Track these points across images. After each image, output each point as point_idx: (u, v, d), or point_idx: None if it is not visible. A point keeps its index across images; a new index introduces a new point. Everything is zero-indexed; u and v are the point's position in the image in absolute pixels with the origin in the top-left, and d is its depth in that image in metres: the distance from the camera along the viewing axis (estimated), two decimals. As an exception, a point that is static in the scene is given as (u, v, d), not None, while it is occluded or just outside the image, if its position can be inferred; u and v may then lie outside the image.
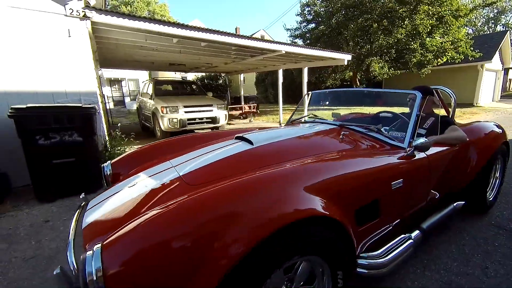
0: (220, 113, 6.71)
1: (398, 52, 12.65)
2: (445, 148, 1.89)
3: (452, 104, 2.45)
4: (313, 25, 15.73)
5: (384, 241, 1.48)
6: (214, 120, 6.58)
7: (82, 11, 3.35)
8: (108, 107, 10.91)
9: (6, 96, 3.09)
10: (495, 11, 33.09)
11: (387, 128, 2.08)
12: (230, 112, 10.56)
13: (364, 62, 12.21)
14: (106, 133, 4.39)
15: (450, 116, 2.43)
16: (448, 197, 2.00)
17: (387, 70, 12.81)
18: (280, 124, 2.93)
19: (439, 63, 12.38)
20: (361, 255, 1.36)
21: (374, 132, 1.86)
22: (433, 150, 1.78)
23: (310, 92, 2.80)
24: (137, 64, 8.40)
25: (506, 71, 21.71)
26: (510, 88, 31.14)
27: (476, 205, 2.23)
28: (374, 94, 2.51)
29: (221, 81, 13.77)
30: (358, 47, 13.28)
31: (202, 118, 6.42)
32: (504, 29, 26.67)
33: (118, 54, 6.48)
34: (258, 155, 1.57)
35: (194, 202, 0.90)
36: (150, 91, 7.10)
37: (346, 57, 7.23)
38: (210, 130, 6.16)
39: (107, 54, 6.39)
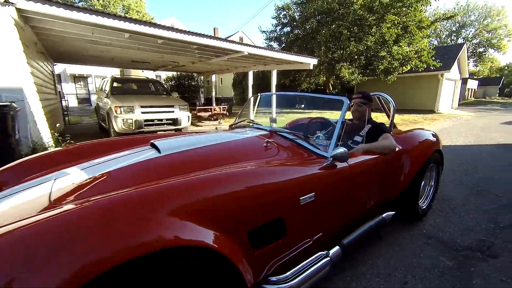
0: (182, 115, 6.41)
1: (367, 59, 13.13)
2: (373, 156, 1.82)
3: (391, 111, 2.43)
4: (289, 28, 15.89)
5: (297, 260, 1.35)
6: (175, 121, 6.27)
7: (3, -4, 2.95)
8: (65, 105, 10.12)
9: None
10: (457, 25, 35.89)
11: (320, 135, 1.99)
12: (199, 114, 10.28)
13: (334, 67, 12.50)
14: (50, 135, 3.94)
15: (390, 123, 2.41)
16: (379, 208, 1.95)
17: (357, 76, 13.24)
18: (216, 129, 2.78)
19: (403, 71, 13.02)
20: (269, 278, 1.23)
21: (302, 140, 1.75)
22: (358, 159, 1.71)
23: (259, 94, 2.68)
24: (96, 59, 7.84)
25: (464, 80, 23.54)
26: (469, 97, 33.88)
27: (408, 215, 2.21)
28: (309, 99, 2.43)
29: (193, 82, 13.38)
30: (331, 52, 13.60)
31: (161, 120, 6.09)
32: (463, 42, 28.96)
33: (68, 48, 5.95)
34: (159, 166, 1.37)
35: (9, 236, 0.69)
36: (107, 89, 6.62)
37: (311, 61, 7.27)
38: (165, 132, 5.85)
39: (56, 47, 5.85)
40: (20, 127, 3.25)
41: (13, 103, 2.74)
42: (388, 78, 13.00)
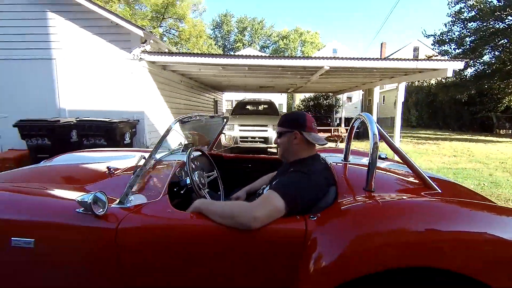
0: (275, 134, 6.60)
1: None
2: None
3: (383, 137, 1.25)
4: (474, 24, 11.32)
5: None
6: (266, 140, 6.57)
7: (139, 55, 4.76)
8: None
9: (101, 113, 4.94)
10: None
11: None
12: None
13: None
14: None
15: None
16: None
17: None
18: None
19: None
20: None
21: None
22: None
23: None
24: (236, 88, 10.00)
25: None
26: None
27: None
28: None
29: (328, 101, 13.09)
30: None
31: (254, 137, 6.61)
32: None
33: (207, 81, 8.12)
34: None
35: None
36: (231, 110, 8.25)
37: (450, 66, 4.69)
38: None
39: (202, 81, 8.20)
40: (140, 135, 5.01)
41: (120, 120, 4.34)
42: None
